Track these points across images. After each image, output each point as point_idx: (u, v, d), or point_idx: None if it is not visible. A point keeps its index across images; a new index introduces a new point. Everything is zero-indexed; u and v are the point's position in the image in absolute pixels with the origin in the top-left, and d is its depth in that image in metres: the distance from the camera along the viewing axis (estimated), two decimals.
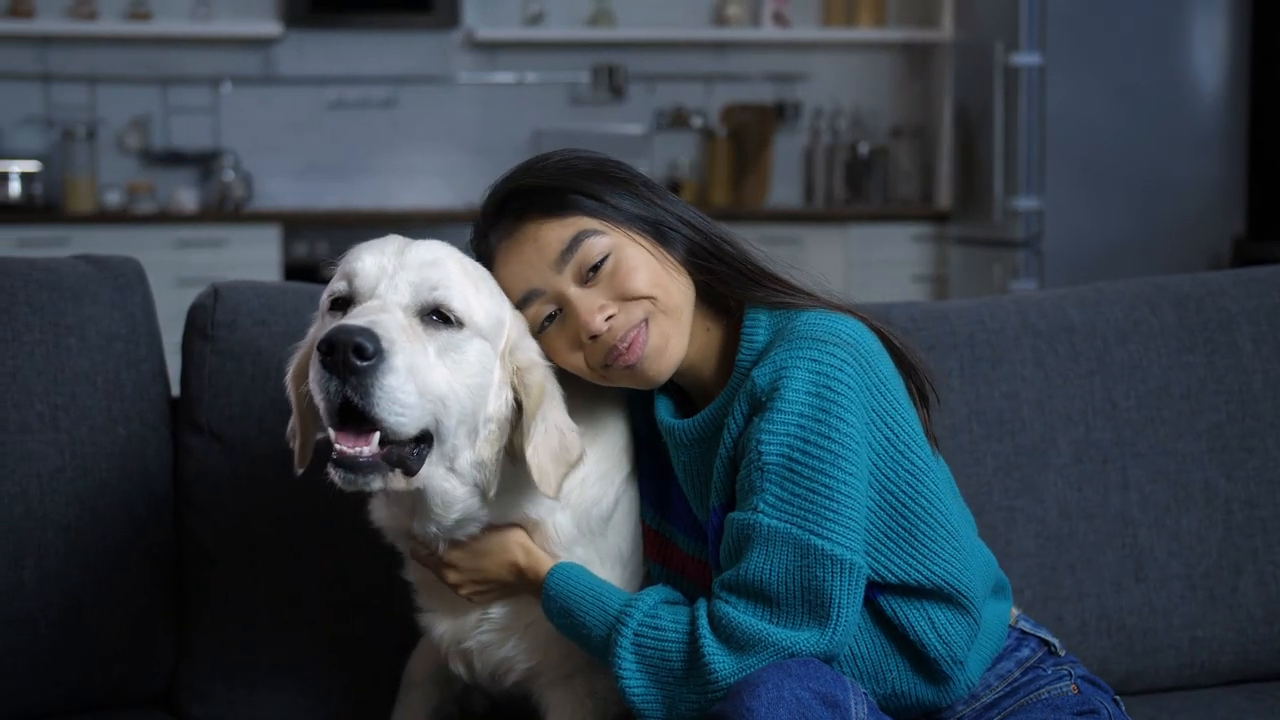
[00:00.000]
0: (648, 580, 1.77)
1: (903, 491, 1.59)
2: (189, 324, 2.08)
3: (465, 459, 1.60)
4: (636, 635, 1.57)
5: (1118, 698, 1.78)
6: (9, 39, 6.68)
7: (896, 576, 1.60)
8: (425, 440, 1.55)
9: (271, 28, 6.76)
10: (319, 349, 1.47)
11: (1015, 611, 1.80)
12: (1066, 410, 2.11)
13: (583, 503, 1.69)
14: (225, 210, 6.66)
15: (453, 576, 1.70)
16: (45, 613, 1.95)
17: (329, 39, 6.97)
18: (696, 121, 7.15)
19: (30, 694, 1.96)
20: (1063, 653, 1.78)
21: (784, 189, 7.18)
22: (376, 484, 1.52)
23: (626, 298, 1.61)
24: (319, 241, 6.33)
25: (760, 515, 1.53)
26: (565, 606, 1.62)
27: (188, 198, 6.59)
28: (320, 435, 1.61)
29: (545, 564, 1.66)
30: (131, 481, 2.02)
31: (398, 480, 1.54)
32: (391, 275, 1.57)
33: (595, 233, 1.61)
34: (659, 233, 1.65)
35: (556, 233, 1.62)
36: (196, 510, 2.04)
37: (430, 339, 1.55)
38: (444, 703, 1.91)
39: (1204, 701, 2.05)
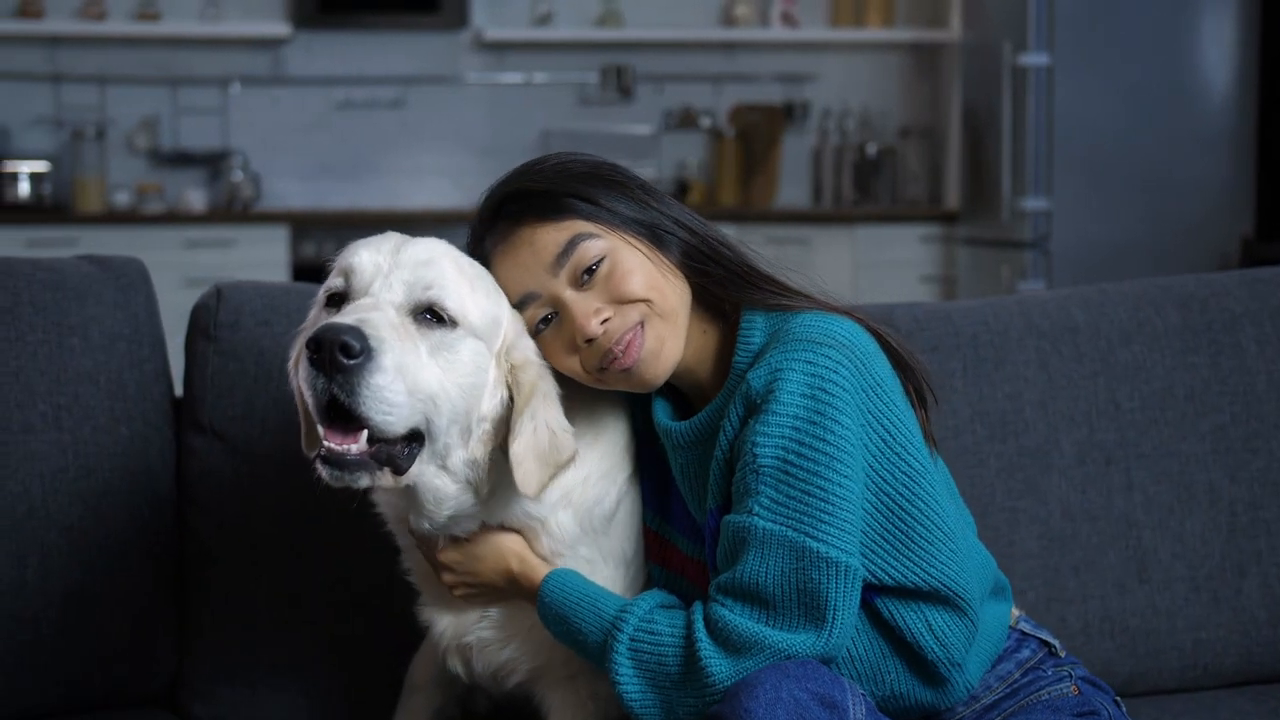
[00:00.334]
0: (649, 582, 1.76)
1: (899, 493, 1.59)
2: (192, 324, 2.08)
3: (458, 458, 1.60)
4: (633, 640, 1.57)
5: (1119, 699, 1.77)
6: (18, 39, 6.71)
7: (893, 578, 1.59)
8: (416, 439, 1.55)
9: (280, 28, 6.77)
10: (307, 346, 1.47)
11: (1016, 613, 1.79)
12: (1070, 411, 2.11)
13: (585, 501, 1.69)
14: (234, 210, 6.67)
15: (448, 577, 1.71)
16: (47, 612, 1.96)
17: (337, 39, 6.98)
18: (705, 122, 7.15)
19: (32, 693, 1.96)
20: (1063, 654, 1.78)
21: (792, 189, 7.17)
22: (364, 481, 1.52)
23: (622, 301, 1.60)
24: (327, 242, 6.32)
25: (755, 518, 1.52)
26: (561, 613, 1.62)
27: (196, 198, 6.61)
28: None
29: (540, 571, 1.66)
30: (134, 481, 2.02)
31: (386, 478, 1.53)
32: (386, 273, 1.57)
33: (590, 236, 1.61)
34: (655, 236, 1.64)
35: (552, 236, 1.61)
36: (199, 510, 2.05)
37: (423, 338, 1.55)
38: (446, 705, 1.91)
39: (1207, 704, 2.05)
